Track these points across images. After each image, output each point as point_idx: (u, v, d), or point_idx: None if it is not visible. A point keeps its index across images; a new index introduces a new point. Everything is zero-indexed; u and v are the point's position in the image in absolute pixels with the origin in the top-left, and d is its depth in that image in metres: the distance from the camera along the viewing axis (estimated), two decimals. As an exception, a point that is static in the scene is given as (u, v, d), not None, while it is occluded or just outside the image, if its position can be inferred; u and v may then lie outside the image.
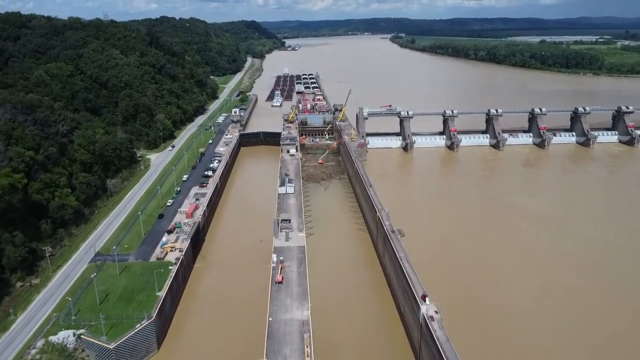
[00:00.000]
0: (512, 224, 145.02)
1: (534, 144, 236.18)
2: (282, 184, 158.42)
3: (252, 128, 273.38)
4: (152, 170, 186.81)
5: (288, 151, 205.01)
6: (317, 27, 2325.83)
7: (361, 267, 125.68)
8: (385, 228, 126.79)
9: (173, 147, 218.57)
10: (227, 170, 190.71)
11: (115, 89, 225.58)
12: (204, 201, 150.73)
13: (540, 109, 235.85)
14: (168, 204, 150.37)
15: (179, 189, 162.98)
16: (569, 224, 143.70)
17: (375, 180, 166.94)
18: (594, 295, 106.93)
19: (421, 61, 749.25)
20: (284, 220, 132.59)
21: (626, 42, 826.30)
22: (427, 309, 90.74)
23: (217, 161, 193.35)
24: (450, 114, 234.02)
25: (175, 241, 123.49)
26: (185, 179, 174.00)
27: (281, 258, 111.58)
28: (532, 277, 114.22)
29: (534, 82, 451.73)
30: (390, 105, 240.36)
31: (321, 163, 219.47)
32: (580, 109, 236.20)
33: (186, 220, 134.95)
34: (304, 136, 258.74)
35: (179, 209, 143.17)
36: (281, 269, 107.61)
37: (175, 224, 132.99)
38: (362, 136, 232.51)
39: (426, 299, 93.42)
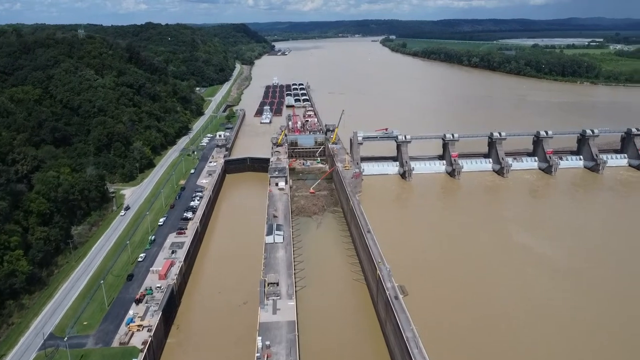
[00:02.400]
0: (527, 276, 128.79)
1: (540, 169, 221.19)
2: (270, 231, 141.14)
3: (238, 151, 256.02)
4: (126, 211, 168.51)
5: (277, 184, 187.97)
6: (307, 28, 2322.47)
7: (362, 343, 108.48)
8: (387, 292, 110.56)
9: (128, 209, 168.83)
10: (209, 209, 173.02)
11: (87, 115, 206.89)
12: (181, 254, 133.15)
13: (546, 132, 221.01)
14: (139, 259, 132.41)
15: (153, 237, 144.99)
16: (589, 276, 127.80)
17: (372, 215, 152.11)
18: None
19: (414, 68, 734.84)
20: (271, 283, 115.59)
21: (618, 46, 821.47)
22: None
23: (198, 198, 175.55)
24: (451, 138, 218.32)
25: (144, 315, 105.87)
26: (161, 223, 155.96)
27: (267, 342, 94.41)
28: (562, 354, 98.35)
29: (532, 92, 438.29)
30: (386, 129, 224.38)
31: (313, 193, 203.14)
32: (589, 132, 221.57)
33: (158, 284, 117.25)
34: (294, 158, 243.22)
35: (151, 268, 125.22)
36: (267, 358, 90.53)
37: (146, 289, 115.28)
38: (357, 162, 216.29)
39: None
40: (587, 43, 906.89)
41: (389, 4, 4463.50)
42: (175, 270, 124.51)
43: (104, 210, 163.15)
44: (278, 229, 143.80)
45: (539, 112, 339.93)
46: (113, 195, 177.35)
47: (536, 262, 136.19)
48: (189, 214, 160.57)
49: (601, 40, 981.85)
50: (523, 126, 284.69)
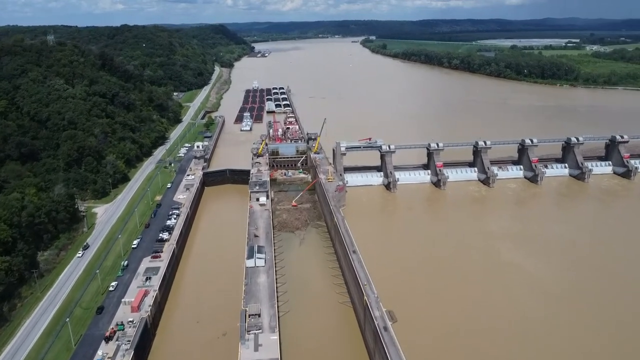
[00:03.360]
0: (519, 299, 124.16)
1: (526, 177, 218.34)
2: (251, 254, 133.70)
3: (217, 161, 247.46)
4: (98, 232, 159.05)
5: (257, 199, 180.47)
6: (287, 29, 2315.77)
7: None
8: (375, 322, 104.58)
9: (87, 247, 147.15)
10: (186, 227, 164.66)
11: (56, 129, 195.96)
12: (156, 281, 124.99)
13: (532, 140, 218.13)
14: (111, 288, 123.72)
15: (126, 262, 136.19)
16: (583, 297, 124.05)
17: (357, 231, 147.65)
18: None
19: (395, 70, 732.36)
20: (253, 315, 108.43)
21: (594, 47, 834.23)
22: None
23: (174, 216, 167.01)
24: (436, 147, 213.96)
25: (114, 355, 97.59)
26: (135, 245, 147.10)
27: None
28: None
29: (514, 95, 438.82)
30: (370, 139, 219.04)
31: (295, 206, 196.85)
32: (573, 139, 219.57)
33: (130, 318, 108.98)
34: (275, 168, 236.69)
35: (123, 299, 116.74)
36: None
37: (117, 325, 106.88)
38: (340, 174, 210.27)
39: None
40: (564, 44, 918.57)
41: (368, 4, 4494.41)
42: (149, 300, 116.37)
43: (73, 232, 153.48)
44: (259, 251, 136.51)
45: (521, 117, 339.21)
46: (84, 214, 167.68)
47: (527, 282, 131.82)
48: (165, 235, 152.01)
49: (577, 40, 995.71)
50: (507, 131, 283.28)
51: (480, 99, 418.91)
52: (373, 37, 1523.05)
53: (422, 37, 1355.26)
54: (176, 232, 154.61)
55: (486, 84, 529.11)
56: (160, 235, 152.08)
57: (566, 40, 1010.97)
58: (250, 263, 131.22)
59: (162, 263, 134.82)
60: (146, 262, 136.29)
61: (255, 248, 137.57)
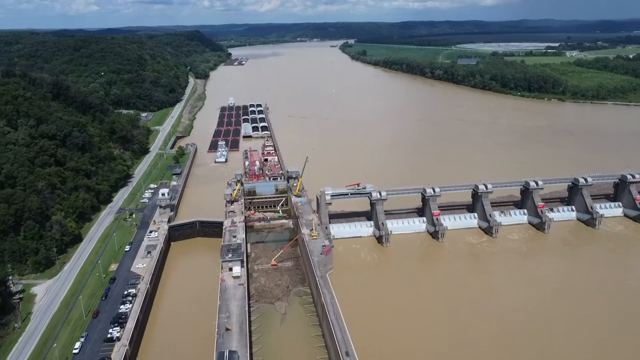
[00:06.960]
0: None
1: (530, 223, 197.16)
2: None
3: (187, 207, 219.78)
4: (34, 325, 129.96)
5: (231, 269, 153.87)
6: (264, 31, 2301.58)
7: None
8: None
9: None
10: (143, 314, 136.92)
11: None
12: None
13: (536, 182, 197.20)
14: None
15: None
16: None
17: (348, 306, 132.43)
18: None
19: (377, 82, 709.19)
20: None
21: (574, 53, 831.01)
22: None
23: (130, 298, 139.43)
24: (432, 192, 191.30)
25: None
26: (77, 350, 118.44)
27: None
28: None
29: (503, 112, 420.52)
30: (358, 184, 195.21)
31: (275, 265, 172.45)
32: (581, 180, 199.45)
33: None
34: (252, 211, 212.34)
35: None
36: None
37: None
38: (325, 227, 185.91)
39: None
40: (544, 49, 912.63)
41: (345, 5, 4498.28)
42: None
43: (2, 330, 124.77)
44: (231, 358, 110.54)
45: (516, 142, 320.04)
46: (19, 298, 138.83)
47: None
48: (116, 331, 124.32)
49: (557, 45, 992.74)
50: (503, 161, 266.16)
51: (469, 118, 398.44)
52: (352, 41, 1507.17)
53: (401, 40, 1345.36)
54: (130, 325, 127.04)
55: (472, 98, 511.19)
56: (110, 331, 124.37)
57: (545, 44, 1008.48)
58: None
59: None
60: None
61: (226, 355, 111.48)
